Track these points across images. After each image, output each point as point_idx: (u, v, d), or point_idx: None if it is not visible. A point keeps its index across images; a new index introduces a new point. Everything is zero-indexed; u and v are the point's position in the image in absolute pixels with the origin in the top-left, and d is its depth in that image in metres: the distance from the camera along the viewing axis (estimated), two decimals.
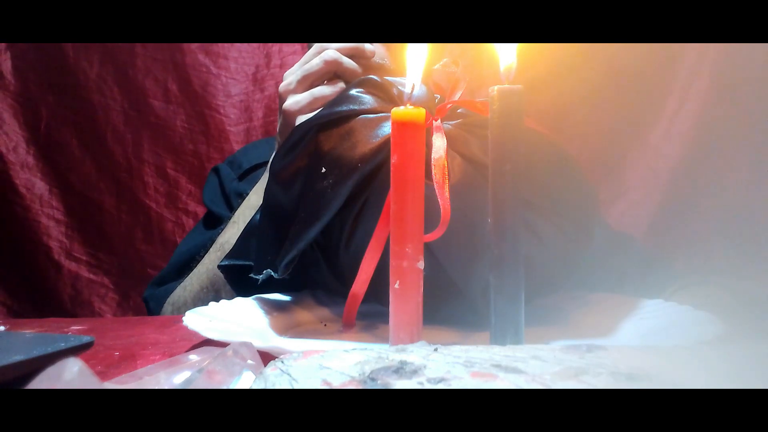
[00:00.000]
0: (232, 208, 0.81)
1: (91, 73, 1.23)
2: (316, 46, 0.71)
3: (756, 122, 0.81)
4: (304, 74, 0.69)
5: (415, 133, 0.40)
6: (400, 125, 0.40)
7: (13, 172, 1.22)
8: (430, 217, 0.42)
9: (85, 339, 0.40)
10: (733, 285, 0.59)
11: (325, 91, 0.68)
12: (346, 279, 0.51)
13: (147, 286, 0.90)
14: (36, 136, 1.23)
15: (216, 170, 0.94)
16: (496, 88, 0.39)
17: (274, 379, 0.27)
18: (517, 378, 0.26)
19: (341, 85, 0.69)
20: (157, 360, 0.42)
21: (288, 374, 0.27)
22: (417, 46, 0.42)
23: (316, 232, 0.50)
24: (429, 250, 0.45)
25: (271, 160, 0.75)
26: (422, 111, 0.41)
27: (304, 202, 0.51)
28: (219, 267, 0.63)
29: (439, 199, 0.43)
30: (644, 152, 0.89)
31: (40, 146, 1.23)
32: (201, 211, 1.15)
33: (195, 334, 0.44)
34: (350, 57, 0.69)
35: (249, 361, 0.33)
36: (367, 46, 0.70)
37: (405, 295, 0.40)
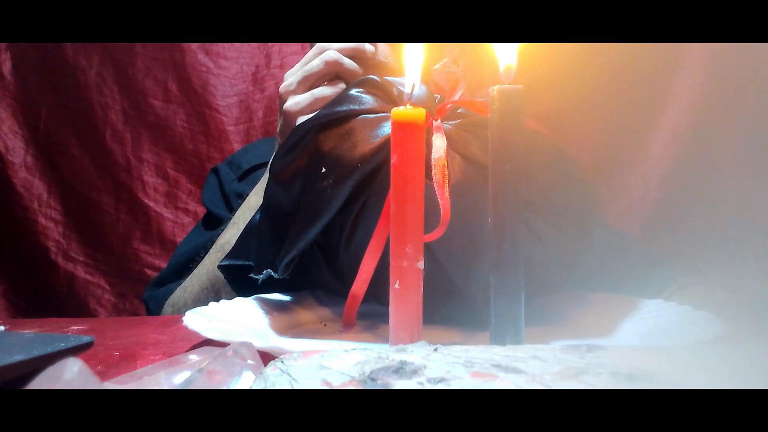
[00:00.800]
0: (232, 209, 0.81)
1: (91, 73, 1.23)
2: (317, 46, 0.71)
3: (755, 122, 0.81)
4: (304, 75, 0.69)
5: (415, 133, 0.40)
6: (400, 125, 0.40)
7: (12, 172, 1.22)
8: (430, 217, 0.42)
9: (85, 339, 0.40)
10: (733, 285, 0.59)
11: (325, 92, 0.68)
12: (346, 279, 0.51)
13: (146, 287, 0.90)
14: (35, 136, 1.23)
15: (215, 171, 0.94)
16: (496, 88, 0.39)
17: (274, 379, 0.27)
18: (517, 378, 0.26)
19: (342, 85, 0.69)
20: (157, 360, 0.42)
21: (288, 374, 0.27)
22: (414, 46, 0.42)
23: (316, 232, 0.50)
24: (429, 250, 0.45)
25: (271, 160, 0.75)
26: (422, 111, 0.41)
27: (304, 202, 0.51)
28: (219, 267, 0.63)
29: (439, 199, 0.43)
30: (644, 152, 0.89)
31: (39, 146, 1.23)
32: (201, 210, 1.15)
33: (195, 334, 0.44)
34: (351, 58, 0.69)
35: (249, 361, 0.33)
36: (368, 46, 0.70)
37: (405, 295, 0.40)
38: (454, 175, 0.48)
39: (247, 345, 0.34)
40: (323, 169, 0.50)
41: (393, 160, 0.40)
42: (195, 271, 0.77)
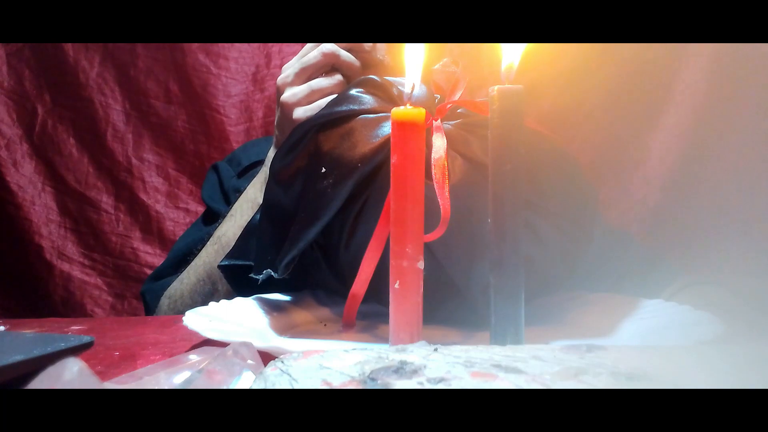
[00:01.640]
0: (231, 205, 0.81)
1: (92, 73, 1.23)
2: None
3: (756, 122, 0.81)
4: (302, 67, 0.69)
5: (415, 133, 0.40)
6: (400, 125, 0.40)
7: (5, 170, 1.21)
8: (430, 217, 0.42)
9: (85, 339, 0.40)
10: (733, 285, 0.59)
11: (322, 83, 0.69)
12: (346, 279, 0.51)
13: (144, 280, 0.90)
14: (30, 134, 1.23)
15: (215, 167, 0.94)
16: (496, 88, 0.39)
17: (274, 379, 0.27)
18: (517, 378, 0.26)
19: (339, 77, 0.69)
20: (157, 360, 0.42)
21: (288, 374, 0.27)
22: (414, 46, 0.42)
23: (316, 232, 0.50)
24: (429, 250, 0.45)
25: (269, 159, 0.75)
26: (422, 111, 0.41)
27: (304, 202, 0.51)
28: (219, 267, 0.63)
29: (439, 199, 0.43)
30: (644, 152, 0.89)
31: (34, 144, 1.23)
32: (201, 210, 1.15)
33: (195, 334, 0.44)
34: (348, 51, 0.69)
35: (249, 361, 0.33)
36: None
37: (405, 295, 0.40)
38: (454, 175, 0.48)
39: (247, 345, 0.34)
40: (323, 169, 0.50)
41: (393, 160, 0.40)
42: (192, 264, 0.77)
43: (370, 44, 0.71)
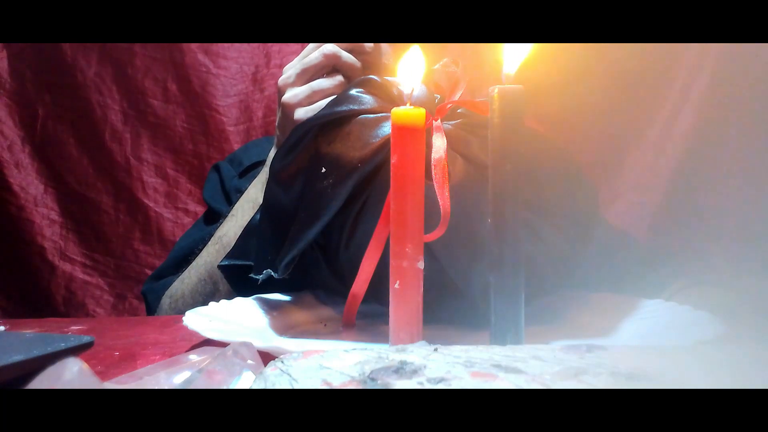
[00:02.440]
0: (232, 205, 0.81)
1: (90, 73, 1.23)
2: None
3: (757, 122, 0.81)
4: (303, 67, 0.69)
5: (415, 133, 0.40)
6: (400, 125, 0.40)
7: (8, 171, 1.21)
8: (430, 217, 0.42)
9: (85, 339, 0.40)
10: (733, 285, 0.59)
11: (323, 84, 0.69)
12: (346, 279, 0.51)
13: (145, 280, 0.90)
14: (31, 135, 1.23)
15: (217, 167, 0.94)
16: (496, 88, 0.39)
17: (274, 379, 0.27)
18: (517, 378, 0.26)
19: (340, 78, 0.69)
20: (157, 360, 0.41)
21: (288, 374, 0.27)
22: (414, 52, 0.42)
23: (316, 232, 0.50)
24: (429, 250, 0.45)
25: (270, 159, 0.75)
26: (422, 111, 0.41)
27: (304, 202, 0.51)
28: (219, 267, 0.63)
29: (439, 199, 0.43)
30: (644, 152, 0.89)
31: (35, 145, 1.23)
32: (201, 210, 1.15)
33: (195, 334, 0.44)
34: (349, 52, 0.69)
35: (249, 361, 0.33)
36: (367, 44, 0.70)
37: (405, 295, 0.40)
38: (454, 175, 0.48)
39: (247, 345, 0.34)
40: (323, 170, 0.50)
41: (393, 160, 0.40)
42: (193, 263, 0.77)
43: (371, 45, 0.71)
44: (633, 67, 0.90)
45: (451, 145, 0.49)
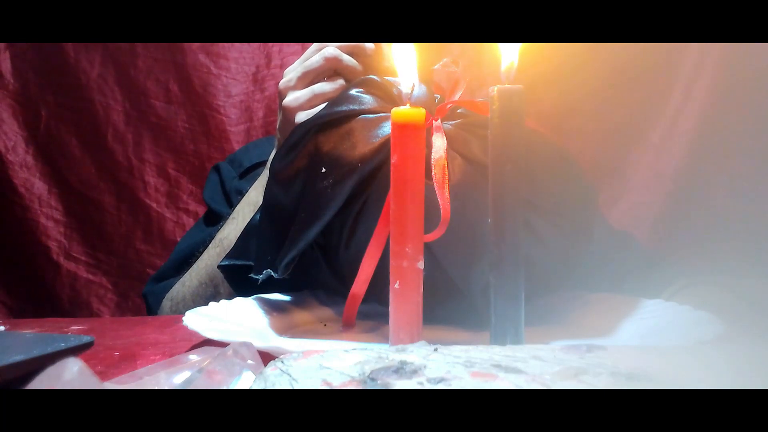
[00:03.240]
0: (233, 206, 0.81)
1: (92, 74, 1.23)
2: (317, 44, 0.71)
3: (758, 122, 0.81)
4: (304, 71, 0.69)
5: (415, 133, 0.40)
6: (400, 125, 0.40)
7: (12, 172, 1.22)
8: (430, 217, 0.42)
9: (85, 339, 0.40)
10: (733, 285, 0.59)
11: (325, 87, 0.69)
12: (346, 279, 0.51)
13: (146, 282, 0.90)
14: (35, 136, 1.23)
15: (217, 168, 0.94)
16: (496, 88, 0.39)
17: (274, 379, 0.27)
18: (517, 378, 0.26)
19: (341, 82, 0.69)
20: (157, 360, 0.42)
21: (288, 374, 0.27)
22: (404, 46, 0.42)
23: (316, 232, 0.50)
24: (429, 250, 0.45)
25: (270, 159, 0.75)
26: (422, 111, 0.41)
27: (304, 202, 0.51)
28: (219, 267, 0.63)
29: (439, 199, 0.43)
30: (645, 153, 0.89)
31: (39, 146, 1.23)
32: (201, 210, 1.15)
33: (195, 334, 0.44)
34: (350, 55, 0.69)
35: (249, 361, 0.33)
36: (368, 44, 0.70)
37: (405, 295, 0.40)
38: (454, 175, 0.48)
39: (247, 345, 0.34)
40: (323, 169, 0.50)
41: (393, 160, 0.40)
42: (194, 266, 0.77)
43: (372, 47, 0.70)
44: (634, 68, 0.90)
45: (451, 145, 0.49)
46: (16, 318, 1.18)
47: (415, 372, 0.27)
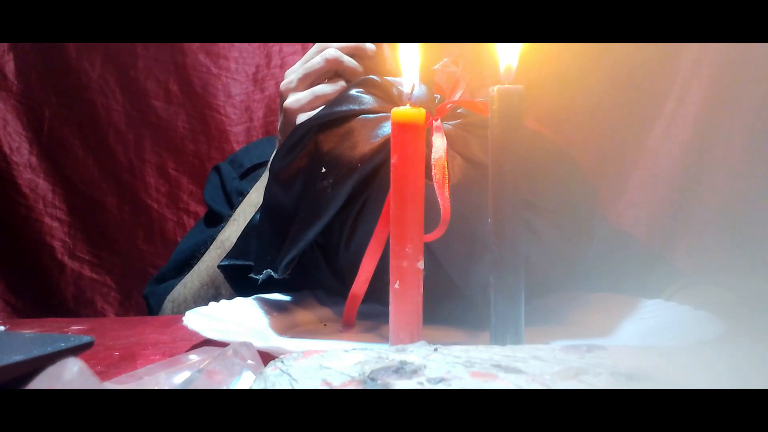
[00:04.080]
0: (233, 207, 0.81)
1: (93, 74, 1.23)
2: (318, 45, 0.71)
3: (755, 123, 0.81)
4: (305, 72, 0.69)
5: (415, 133, 0.40)
6: (400, 125, 0.40)
7: (17, 173, 1.22)
8: (430, 217, 0.42)
9: (85, 339, 0.40)
10: (733, 284, 0.59)
11: (326, 89, 0.69)
12: (346, 279, 0.51)
13: (147, 283, 0.90)
14: (39, 137, 1.24)
15: (217, 169, 0.94)
16: (496, 88, 0.39)
17: (274, 379, 0.27)
18: (517, 378, 0.26)
19: (342, 83, 0.69)
20: (157, 360, 0.42)
21: (288, 374, 0.27)
22: (409, 46, 0.42)
23: (316, 232, 0.50)
24: (429, 250, 0.45)
25: (271, 159, 0.75)
26: (422, 111, 0.41)
27: (304, 202, 0.51)
28: (219, 267, 0.63)
29: (439, 199, 0.43)
30: (644, 153, 0.89)
31: (42, 147, 1.24)
32: (202, 210, 1.15)
33: (195, 334, 0.44)
34: (351, 56, 0.69)
35: (249, 361, 0.33)
36: (368, 45, 0.70)
37: (405, 295, 0.40)
38: (454, 175, 0.48)
39: (247, 345, 0.34)
40: (323, 169, 0.50)
41: (393, 160, 0.40)
42: (195, 268, 0.77)
43: (372, 48, 0.70)
44: (634, 67, 0.90)
45: (451, 145, 0.49)
46: (22, 317, 1.18)
47: (415, 372, 0.27)
